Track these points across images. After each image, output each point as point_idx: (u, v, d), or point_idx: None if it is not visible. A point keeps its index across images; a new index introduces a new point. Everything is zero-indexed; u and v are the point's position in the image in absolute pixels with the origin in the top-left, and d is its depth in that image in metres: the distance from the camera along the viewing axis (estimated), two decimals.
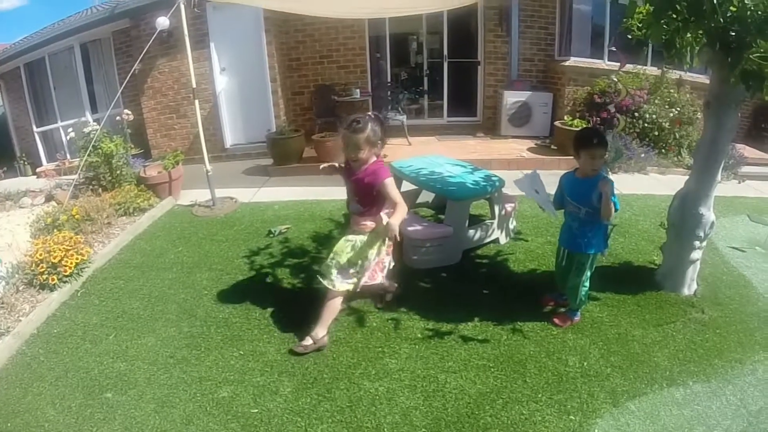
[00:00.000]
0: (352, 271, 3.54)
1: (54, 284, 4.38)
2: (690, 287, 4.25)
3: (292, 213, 6.30)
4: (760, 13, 2.98)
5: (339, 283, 3.52)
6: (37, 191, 7.87)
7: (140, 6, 9.13)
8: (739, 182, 8.30)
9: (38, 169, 10.43)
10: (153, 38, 6.75)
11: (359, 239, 3.54)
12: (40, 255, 4.47)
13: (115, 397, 3.18)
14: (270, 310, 4.08)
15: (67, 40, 10.28)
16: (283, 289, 4.43)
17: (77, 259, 4.64)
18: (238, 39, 9.32)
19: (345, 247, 3.54)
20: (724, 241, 5.44)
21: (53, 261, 4.45)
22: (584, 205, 3.49)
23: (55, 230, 5.28)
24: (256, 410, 3.02)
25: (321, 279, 3.59)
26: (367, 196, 3.52)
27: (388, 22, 10.41)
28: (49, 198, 7.29)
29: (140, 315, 4.12)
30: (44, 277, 4.37)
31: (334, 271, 3.52)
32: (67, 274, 4.50)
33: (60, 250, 4.57)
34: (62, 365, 3.51)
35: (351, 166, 3.55)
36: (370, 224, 3.52)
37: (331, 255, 3.58)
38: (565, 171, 3.75)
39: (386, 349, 3.55)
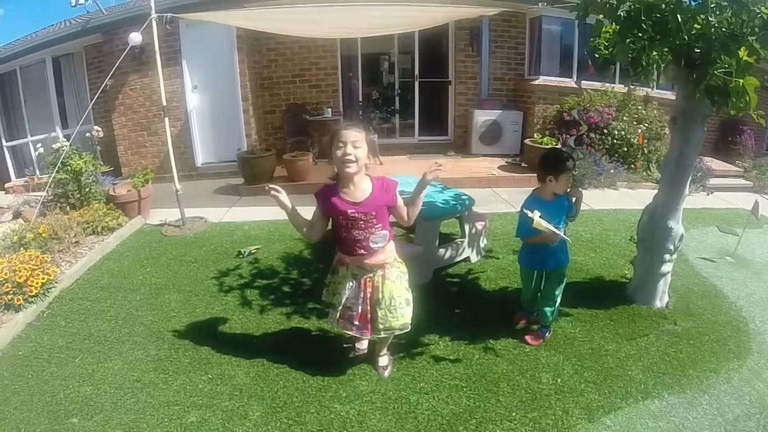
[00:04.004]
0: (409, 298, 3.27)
1: (19, 305, 4.25)
2: (662, 299, 4.29)
3: (262, 233, 6.23)
4: (724, 29, 3.05)
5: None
6: (4, 207, 7.67)
7: (113, 21, 9.05)
8: (708, 194, 8.49)
9: (6, 185, 10.17)
10: (125, 54, 6.69)
11: (396, 274, 3.20)
12: (5, 274, 4.34)
13: (81, 422, 3.07)
14: (239, 332, 4.02)
15: (39, 53, 10.11)
16: (252, 311, 4.35)
17: (43, 278, 4.51)
18: (210, 57, 9.27)
19: (400, 286, 3.18)
20: (695, 252, 5.54)
21: (18, 281, 4.33)
22: (560, 222, 3.52)
23: (21, 249, 5.16)
24: None
25: (405, 330, 3.24)
26: (386, 216, 3.07)
27: (360, 42, 10.48)
28: (17, 215, 7.12)
29: (107, 337, 4.02)
30: (9, 297, 4.24)
31: (408, 310, 3.23)
32: (32, 294, 4.37)
33: (26, 269, 4.46)
34: (27, 389, 3.39)
35: (344, 194, 2.96)
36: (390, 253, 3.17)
37: (397, 302, 3.15)
38: (527, 197, 3.66)
39: (357, 371, 3.49)
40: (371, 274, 3.13)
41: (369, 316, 3.15)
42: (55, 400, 3.27)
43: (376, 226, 3.00)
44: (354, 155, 2.85)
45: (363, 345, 3.60)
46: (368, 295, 3.14)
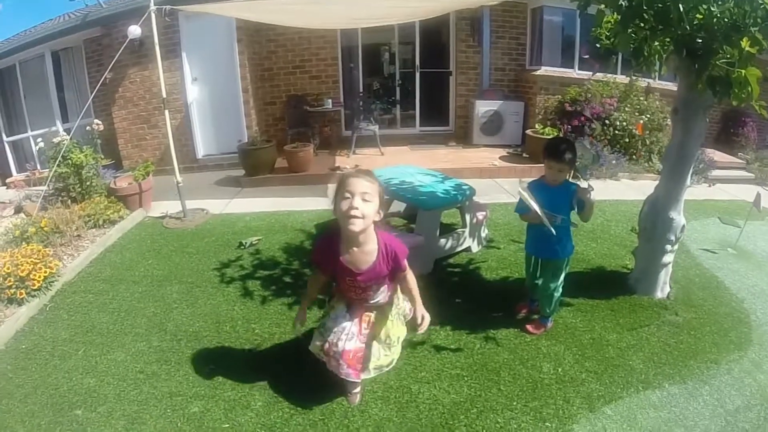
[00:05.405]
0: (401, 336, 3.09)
1: (22, 298, 4.26)
2: (663, 290, 4.29)
3: (263, 224, 6.24)
4: (726, 20, 3.03)
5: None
6: (6, 203, 7.67)
7: (112, 14, 9.03)
8: (710, 186, 8.48)
9: (8, 180, 10.18)
10: (124, 47, 6.67)
11: (395, 312, 3.00)
12: (8, 268, 4.35)
13: (84, 414, 3.09)
14: (240, 323, 4.02)
15: (38, 47, 10.08)
16: (254, 302, 4.36)
17: (45, 272, 4.53)
18: (210, 49, 9.25)
19: (396, 323, 3.01)
20: (696, 243, 5.54)
21: (21, 275, 4.34)
22: (559, 213, 3.48)
23: (23, 243, 5.16)
24: (228, 425, 2.95)
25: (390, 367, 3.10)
26: (384, 281, 2.78)
27: (360, 33, 10.47)
28: (18, 210, 7.13)
29: (110, 329, 4.03)
30: (12, 291, 4.25)
31: (398, 348, 3.09)
32: (35, 288, 4.38)
33: (28, 263, 4.46)
34: (31, 382, 3.41)
35: (346, 256, 2.63)
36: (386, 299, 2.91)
37: (392, 340, 3.00)
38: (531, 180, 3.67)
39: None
40: (367, 309, 2.92)
41: (360, 355, 2.88)
42: (58, 393, 3.28)
43: (374, 289, 2.77)
44: (361, 211, 2.42)
45: (356, 398, 3.13)
46: (361, 330, 2.87)
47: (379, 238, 2.63)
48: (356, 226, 2.43)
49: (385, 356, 3.02)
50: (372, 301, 2.83)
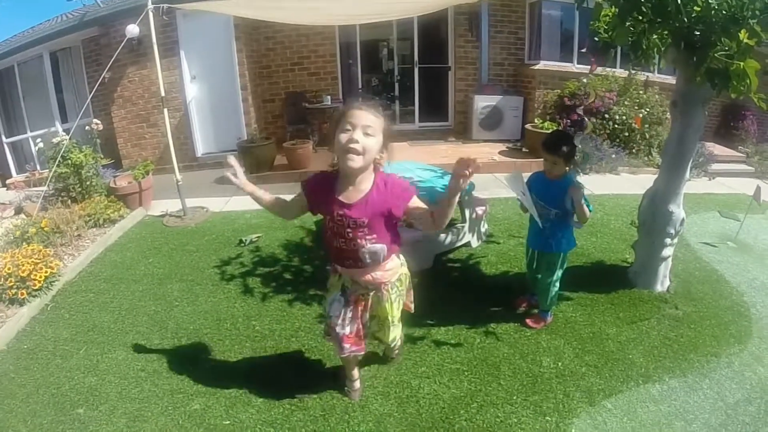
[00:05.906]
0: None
1: (23, 299, 4.27)
2: (663, 284, 4.28)
3: (263, 221, 6.23)
4: (724, 12, 3.02)
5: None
6: (6, 204, 7.69)
7: (109, 14, 9.00)
8: (710, 179, 8.47)
9: (8, 181, 10.18)
10: (122, 46, 6.67)
11: (395, 295, 2.74)
12: (9, 269, 4.37)
13: (86, 412, 3.10)
14: (241, 320, 4.04)
15: (36, 48, 10.04)
16: (254, 299, 4.37)
17: (46, 272, 4.54)
18: (208, 47, 9.23)
19: (395, 307, 2.76)
20: (696, 237, 5.53)
21: (22, 275, 4.36)
22: (554, 206, 3.47)
23: (24, 243, 5.17)
24: (228, 422, 2.97)
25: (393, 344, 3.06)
26: (387, 226, 2.46)
27: (358, 29, 10.46)
28: (19, 210, 7.14)
29: (111, 328, 4.04)
30: (13, 291, 4.26)
31: (398, 329, 2.97)
32: (36, 288, 4.40)
33: (28, 263, 4.48)
34: (33, 381, 3.42)
35: (338, 189, 2.39)
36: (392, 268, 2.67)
37: (389, 321, 2.80)
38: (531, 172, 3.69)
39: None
40: (364, 292, 2.68)
41: (361, 333, 2.77)
42: (60, 392, 3.30)
43: (368, 238, 2.41)
44: (362, 145, 2.18)
45: (356, 385, 3.16)
46: (359, 314, 2.72)
47: (378, 176, 2.37)
48: (355, 162, 2.20)
49: (381, 334, 2.93)
50: (367, 258, 2.46)
